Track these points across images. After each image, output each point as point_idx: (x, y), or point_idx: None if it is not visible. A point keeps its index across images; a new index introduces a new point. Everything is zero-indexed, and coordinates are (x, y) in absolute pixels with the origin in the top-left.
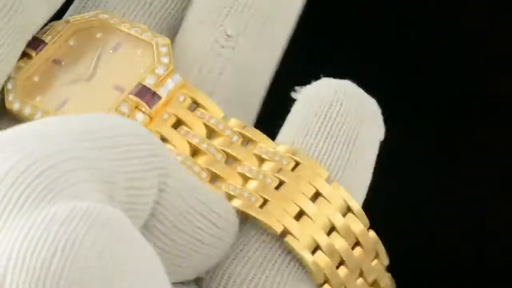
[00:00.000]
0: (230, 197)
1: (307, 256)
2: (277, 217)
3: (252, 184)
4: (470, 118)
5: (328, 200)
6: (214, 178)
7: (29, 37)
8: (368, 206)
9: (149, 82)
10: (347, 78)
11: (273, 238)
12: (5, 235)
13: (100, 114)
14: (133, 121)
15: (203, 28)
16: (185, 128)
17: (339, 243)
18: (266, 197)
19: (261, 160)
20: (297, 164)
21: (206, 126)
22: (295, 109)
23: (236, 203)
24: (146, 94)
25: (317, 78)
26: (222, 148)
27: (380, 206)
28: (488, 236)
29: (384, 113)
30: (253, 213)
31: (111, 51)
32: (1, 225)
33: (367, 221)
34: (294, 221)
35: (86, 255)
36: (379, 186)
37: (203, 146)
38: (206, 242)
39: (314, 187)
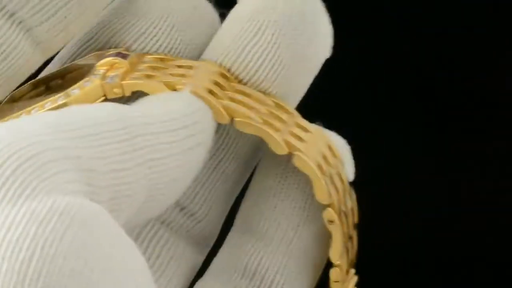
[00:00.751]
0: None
1: (318, 172)
2: (282, 137)
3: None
4: (470, 116)
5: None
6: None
7: (15, 84)
8: (370, 204)
9: (110, 52)
10: (346, 77)
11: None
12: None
13: (74, 106)
14: (109, 104)
15: None
16: (163, 70)
17: (332, 169)
18: (267, 119)
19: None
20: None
21: (182, 67)
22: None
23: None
24: (116, 55)
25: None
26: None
27: (378, 206)
28: (488, 235)
29: (384, 112)
30: (264, 128)
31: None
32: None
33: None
34: (299, 141)
35: (65, 255)
36: (379, 186)
37: (191, 72)
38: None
39: (303, 126)
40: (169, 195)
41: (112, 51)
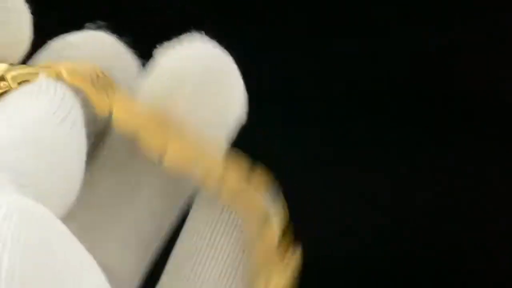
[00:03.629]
0: None
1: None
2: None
3: None
4: (470, 117)
5: None
6: None
7: None
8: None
9: None
10: (343, 77)
11: None
12: None
13: None
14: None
15: None
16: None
17: None
18: None
19: None
20: None
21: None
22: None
23: None
24: None
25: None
26: None
27: (378, 206)
28: (488, 235)
29: (383, 114)
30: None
31: None
32: None
33: None
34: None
35: (34, 250)
36: (378, 184)
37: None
38: None
39: None
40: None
41: None
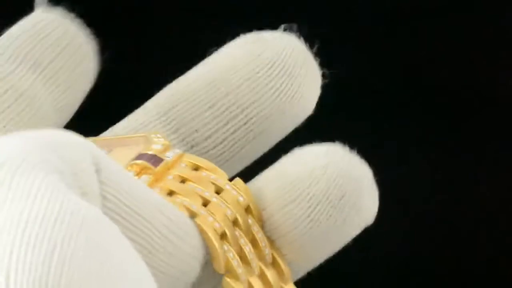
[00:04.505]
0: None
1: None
2: None
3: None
4: (467, 113)
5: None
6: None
7: None
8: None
9: (148, 152)
10: (341, 75)
11: None
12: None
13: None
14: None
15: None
16: (191, 183)
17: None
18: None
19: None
20: None
21: (213, 183)
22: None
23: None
24: (150, 159)
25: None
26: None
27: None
28: (488, 235)
29: (382, 111)
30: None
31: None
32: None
33: None
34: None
35: (82, 254)
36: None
37: (214, 200)
38: (159, 243)
39: None
40: None
41: (154, 146)
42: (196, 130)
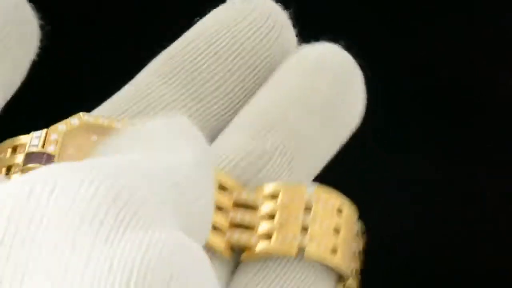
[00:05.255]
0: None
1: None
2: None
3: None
4: (468, 113)
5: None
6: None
7: None
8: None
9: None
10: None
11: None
12: (123, 248)
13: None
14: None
15: (240, 136)
16: None
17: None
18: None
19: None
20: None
21: (239, 205)
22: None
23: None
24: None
25: None
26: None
27: (378, 206)
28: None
29: (381, 106)
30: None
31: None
32: (118, 239)
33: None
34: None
35: (194, 284)
36: (377, 182)
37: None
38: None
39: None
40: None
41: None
42: (206, 82)
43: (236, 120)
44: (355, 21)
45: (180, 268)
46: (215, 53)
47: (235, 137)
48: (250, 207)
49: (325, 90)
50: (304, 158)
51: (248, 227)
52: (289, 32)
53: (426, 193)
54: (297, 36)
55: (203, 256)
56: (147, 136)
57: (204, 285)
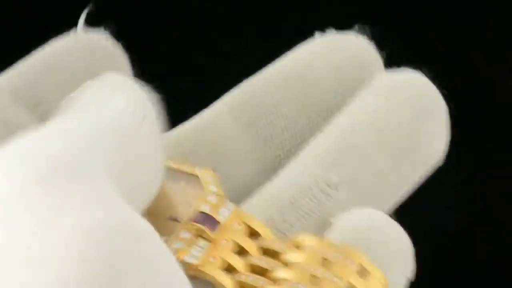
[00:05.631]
0: None
1: None
2: None
3: None
4: (470, 112)
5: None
6: None
7: None
8: None
9: (205, 209)
10: None
11: None
12: (60, 233)
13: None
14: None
15: (308, 163)
16: (251, 257)
17: None
18: None
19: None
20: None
21: (265, 251)
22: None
23: None
24: (206, 220)
25: None
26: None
27: None
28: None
29: None
30: None
31: None
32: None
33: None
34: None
35: (134, 268)
36: None
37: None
38: None
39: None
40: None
41: (210, 199)
42: (271, 121)
43: (306, 147)
44: (355, 21)
45: (123, 255)
46: (285, 97)
47: (298, 167)
48: (275, 253)
49: (405, 120)
50: (371, 193)
51: (264, 272)
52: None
53: (426, 193)
54: (307, 32)
55: (148, 233)
56: (80, 100)
57: (152, 262)
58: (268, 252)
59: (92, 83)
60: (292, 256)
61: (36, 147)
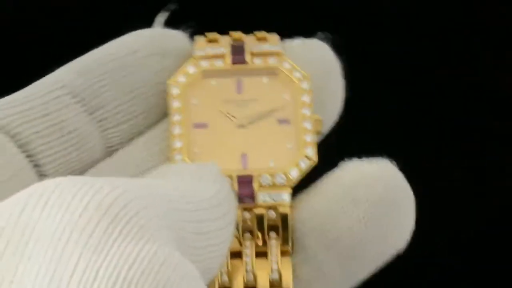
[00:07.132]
0: None
1: None
2: None
3: None
4: (471, 112)
5: None
6: None
7: None
8: None
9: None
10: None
11: None
12: (111, 259)
13: (197, 185)
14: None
15: None
16: None
17: None
18: None
19: None
20: None
21: None
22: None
23: None
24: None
25: None
26: None
27: None
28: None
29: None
30: None
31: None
32: (107, 250)
33: None
34: None
35: None
36: None
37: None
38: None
39: None
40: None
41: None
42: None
43: None
44: (355, 21)
45: (166, 283)
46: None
47: None
48: None
49: (365, 207)
50: None
51: None
52: None
53: (426, 193)
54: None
55: (195, 275)
56: (176, 170)
57: None
58: None
59: (193, 164)
60: None
61: (136, 195)
